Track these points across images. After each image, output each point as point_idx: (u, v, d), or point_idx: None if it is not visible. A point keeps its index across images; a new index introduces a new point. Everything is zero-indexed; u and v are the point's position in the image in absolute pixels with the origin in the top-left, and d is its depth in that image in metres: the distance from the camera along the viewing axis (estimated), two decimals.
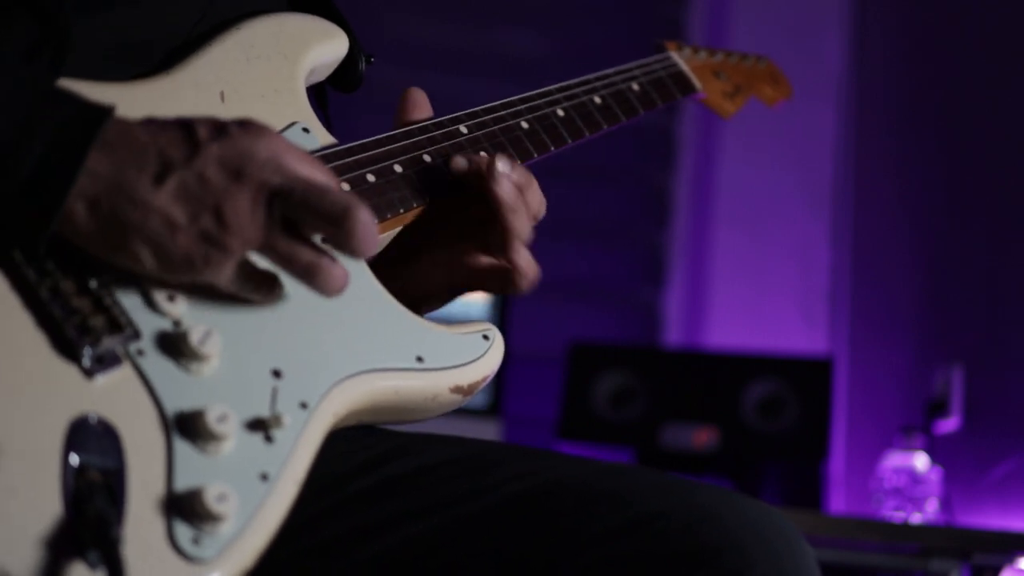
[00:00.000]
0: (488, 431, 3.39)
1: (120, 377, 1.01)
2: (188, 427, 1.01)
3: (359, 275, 1.19)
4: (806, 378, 3.41)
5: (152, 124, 1.03)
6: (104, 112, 1.01)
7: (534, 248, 1.30)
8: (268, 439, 1.04)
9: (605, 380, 3.51)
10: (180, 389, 1.03)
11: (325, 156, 1.22)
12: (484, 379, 1.23)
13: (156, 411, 1.01)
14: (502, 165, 1.25)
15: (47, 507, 0.94)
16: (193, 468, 1.00)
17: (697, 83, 1.64)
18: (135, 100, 1.14)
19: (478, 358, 1.22)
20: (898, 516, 3.18)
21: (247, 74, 1.23)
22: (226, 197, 1.01)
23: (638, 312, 4.15)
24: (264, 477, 1.02)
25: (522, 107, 1.39)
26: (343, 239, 1.04)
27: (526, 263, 1.28)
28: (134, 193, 1.00)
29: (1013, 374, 3.61)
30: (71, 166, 0.98)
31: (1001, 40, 3.91)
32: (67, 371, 1.00)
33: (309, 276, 1.06)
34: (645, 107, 1.53)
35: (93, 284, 1.03)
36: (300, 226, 1.05)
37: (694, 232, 4.15)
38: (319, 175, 1.06)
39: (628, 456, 3.47)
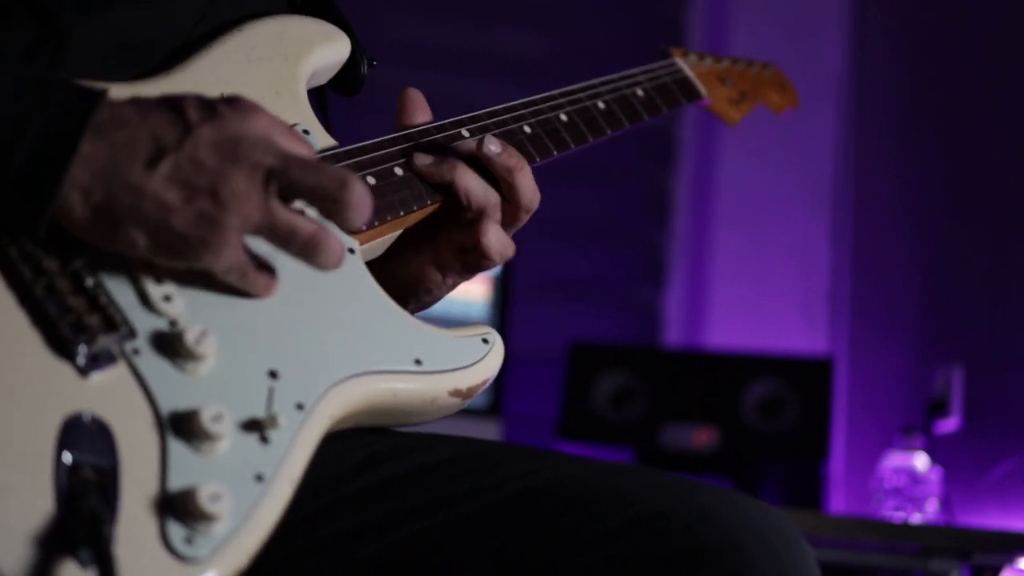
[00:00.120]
0: (488, 431, 3.39)
1: (115, 376, 1.01)
2: (183, 427, 1.01)
3: (358, 276, 1.19)
4: (806, 378, 3.41)
5: (140, 104, 1.03)
6: (96, 96, 1.01)
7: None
8: (263, 440, 1.04)
9: (605, 380, 3.51)
10: (175, 388, 1.03)
11: (325, 158, 1.22)
12: (483, 383, 1.23)
13: (151, 410, 1.01)
14: (494, 146, 1.26)
15: (39, 504, 0.94)
16: (187, 468, 1.00)
17: (703, 89, 1.63)
18: None
19: (477, 361, 1.22)
20: (898, 516, 3.18)
21: (248, 75, 1.23)
22: (221, 178, 1.01)
23: (638, 312, 4.15)
24: (259, 478, 1.02)
25: (525, 111, 1.39)
26: (340, 211, 1.04)
27: (496, 242, 1.28)
28: (128, 178, 1.00)
29: (1013, 374, 3.61)
30: (64, 155, 0.98)
31: (1001, 40, 3.91)
32: (62, 369, 0.99)
33: (310, 249, 1.06)
34: (650, 113, 1.53)
35: (89, 283, 1.03)
36: (290, 202, 1.06)
37: (694, 232, 4.15)
38: (309, 150, 1.07)
39: (628, 456, 3.47)
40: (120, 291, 1.04)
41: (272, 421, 1.05)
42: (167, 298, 1.06)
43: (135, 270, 1.06)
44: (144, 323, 1.04)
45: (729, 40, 4.06)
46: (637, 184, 4.23)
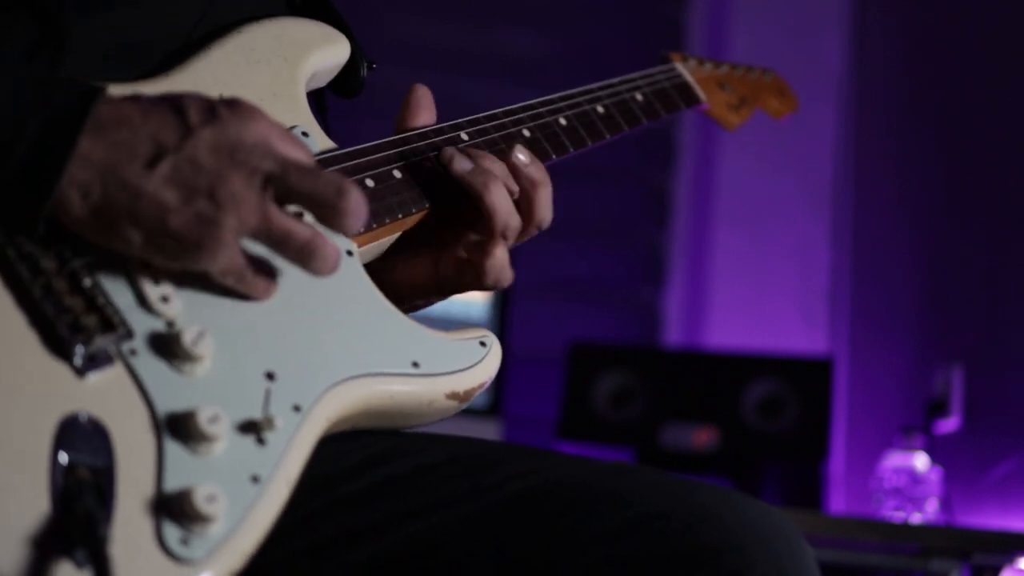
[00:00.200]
0: (488, 431, 3.39)
1: (112, 376, 1.01)
2: (179, 428, 1.01)
3: (356, 279, 1.19)
4: (806, 378, 3.41)
5: (142, 102, 1.03)
6: (95, 92, 1.01)
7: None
8: (260, 441, 1.04)
9: (605, 380, 3.51)
10: (172, 389, 1.03)
11: (324, 160, 1.22)
12: (480, 386, 1.23)
13: (147, 411, 1.01)
14: (522, 155, 1.26)
15: (35, 505, 0.94)
16: (183, 469, 1.00)
17: (702, 94, 1.63)
18: None
19: (474, 364, 1.22)
20: (898, 516, 3.18)
21: (247, 77, 1.23)
22: (220, 180, 1.01)
23: (638, 312, 4.15)
24: (255, 479, 1.02)
25: (524, 115, 1.39)
26: (336, 217, 1.05)
27: (499, 266, 1.27)
28: (126, 178, 1.00)
29: (1013, 374, 3.61)
30: (63, 151, 0.98)
31: (1001, 40, 3.91)
32: (58, 369, 1.00)
33: (306, 255, 1.06)
34: (649, 117, 1.53)
35: (87, 283, 1.03)
36: (285, 206, 1.06)
37: (694, 232, 4.15)
38: (307, 156, 1.07)
39: (628, 456, 3.47)
40: (118, 291, 1.05)
41: (269, 423, 1.05)
42: (165, 299, 1.06)
43: (133, 271, 1.06)
44: (141, 324, 1.04)
45: (729, 40, 4.06)
46: (637, 184, 4.23)
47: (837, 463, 3.72)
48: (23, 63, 1.13)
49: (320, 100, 1.37)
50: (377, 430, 1.23)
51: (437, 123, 1.32)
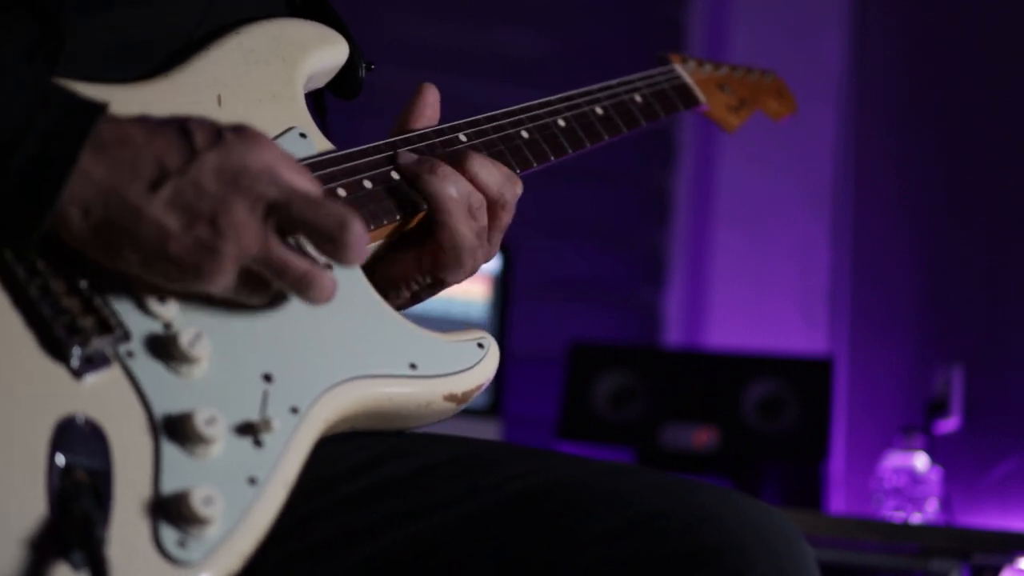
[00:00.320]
0: (488, 431, 3.39)
1: (109, 378, 1.01)
2: (176, 429, 1.01)
3: (354, 281, 1.18)
4: (806, 378, 3.41)
5: (148, 123, 1.03)
6: (96, 109, 1.01)
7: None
8: (257, 443, 1.04)
9: (605, 380, 3.51)
10: (169, 391, 1.03)
11: (322, 162, 1.21)
12: (478, 387, 1.22)
13: (144, 413, 1.01)
14: (476, 164, 1.25)
15: (32, 507, 0.94)
16: (180, 471, 1.00)
17: (701, 96, 1.63)
18: (132, 101, 1.13)
19: (472, 366, 1.22)
20: (898, 516, 3.18)
21: (245, 78, 1.23)
22: (223, 206, 1.01)
23: (638, 312, 4.15)
24: (252, 481, 1.02)
25: (523, 116, 1.39)
26: (337, 250, 1.05)
27: (461, 234, 1.24)
28: (128, 200, 0.99)
29: (1013, 374, 3.61)
30: (64, 165, 0.98)
31: (1001, 40, 3.91)
32: (55, 371, 0.99)
33: (302, 287, 1.06)
34: (648, 119, 1.53)
35: (83, 284, 1.03)
36: (288, 236, 1.06)
37: (694, 232, 4.15)
38: (312, 186, 1.07)
39: (628, 456, 3.47)
40: (115, 293, 1.04)
41: (266, 424, 1.05)
42: (162, 301, 1.06)
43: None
44: (138, 325, 1.04)
45: (729, 40, 4.06)
46: (637, 184, 4.23)
47: (837, 463, 3.72)
48: (23, 63, 1.12)
49: (320, 101, 1.37)
50: (375, 432, 1.23)
51: (436, 125, 1.32)
